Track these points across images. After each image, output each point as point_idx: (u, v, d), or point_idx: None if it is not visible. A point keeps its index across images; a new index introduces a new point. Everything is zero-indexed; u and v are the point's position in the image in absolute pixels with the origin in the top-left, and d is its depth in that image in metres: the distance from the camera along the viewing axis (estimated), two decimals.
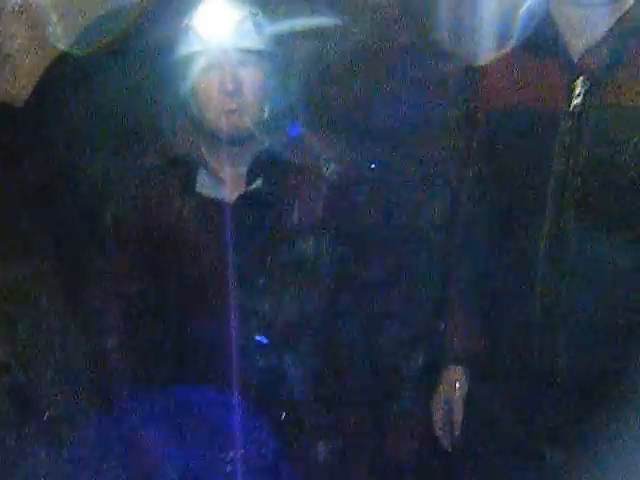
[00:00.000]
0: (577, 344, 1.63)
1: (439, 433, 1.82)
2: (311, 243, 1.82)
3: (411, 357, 1.91)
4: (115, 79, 1.92)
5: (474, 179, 1.77)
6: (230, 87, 1.81)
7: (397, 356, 1.91)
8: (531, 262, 1.64)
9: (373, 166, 2.03)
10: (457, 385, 1.78)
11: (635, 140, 1.55)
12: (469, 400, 1.78)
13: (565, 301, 1.62)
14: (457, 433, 1.79)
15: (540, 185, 1.63)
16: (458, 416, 1.79)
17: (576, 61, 1.61)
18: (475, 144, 1.75)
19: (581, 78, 1.60)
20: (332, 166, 1.87)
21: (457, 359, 1.79)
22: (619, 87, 1.57)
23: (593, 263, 1.59)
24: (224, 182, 1.85)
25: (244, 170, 1.86)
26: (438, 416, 1.81)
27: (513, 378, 1.69)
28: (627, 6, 1.60)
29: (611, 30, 1.59)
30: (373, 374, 1.85)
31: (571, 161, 1.59)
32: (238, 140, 1.84)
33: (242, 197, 1.84)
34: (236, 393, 1.74)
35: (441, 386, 1.81)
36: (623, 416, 1.61)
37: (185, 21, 1.85)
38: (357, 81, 2.07)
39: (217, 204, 1.83)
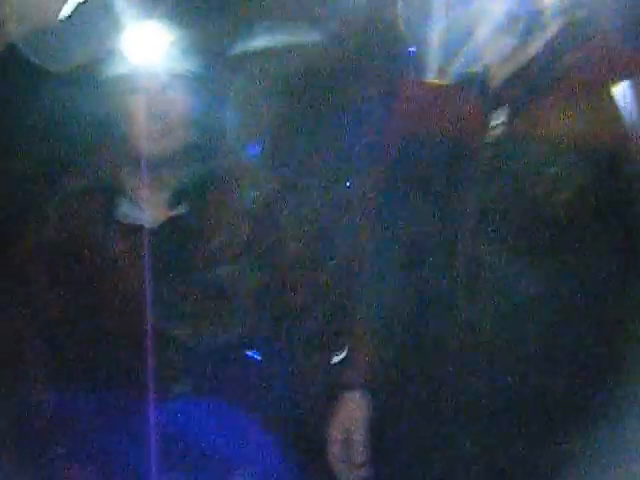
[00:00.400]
0: (491, 371, 1.63)
1: (337, 465, 1.76)
2: (233, 270, 1.81)
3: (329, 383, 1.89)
4: (35, 101, 1.88)
5: (386, 206, 1.77)
6: (155, 111, 1.80)
7: (315, 382, 1.89)
8: (443, 290, 1.64)
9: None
10: (356, 414, 1.75)
11: (553, 172, 1.55)
12: (375, 429, 1.75)
13: (478, 328, 1.62)
14: (359, 465, 1.75)
15: (455, 214, 1.63)
16: (358, 447, 1.74)
17: (495, 91, 1.62)
18: (388, 171, 1.76)
19: (500, 109, 1.60)
20: (258, 192, 1.87)
21: (357, 385, 1.76)
22: (538, 119, 1.57)
23: (510, 293, 1.60)
24: (146, 208, 1.83)
25: (167, 196, 1.84)
26: (335, 447, 1.76)
27: (423, 405, 1.68)
28: (548, 39, 1.60)
29: (531, 61, 1.60)
30: (293, 401, 1.84)
31: (488, 191, 1.60)
32: (162, 165, 1.82)
33: (164, 224, 1.83)
34: (150, 421, 1.72)
35: (339, 414, 1.76)
36: (541, 439, 1.62)
37: (111, 42, 1.83)
38: (294, 104, 2.06)
39: (138, 230, 1.81)
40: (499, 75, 1.62)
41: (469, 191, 1.61)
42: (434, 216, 1.66)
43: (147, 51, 1.84)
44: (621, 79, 1.54)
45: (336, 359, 1.83)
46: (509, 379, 1.63)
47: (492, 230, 1.60)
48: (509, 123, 1.59)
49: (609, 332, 1.61)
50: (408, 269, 1.71)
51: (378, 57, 2.05)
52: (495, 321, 1.62)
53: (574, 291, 1.59)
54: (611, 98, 1.53)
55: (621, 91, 1.53)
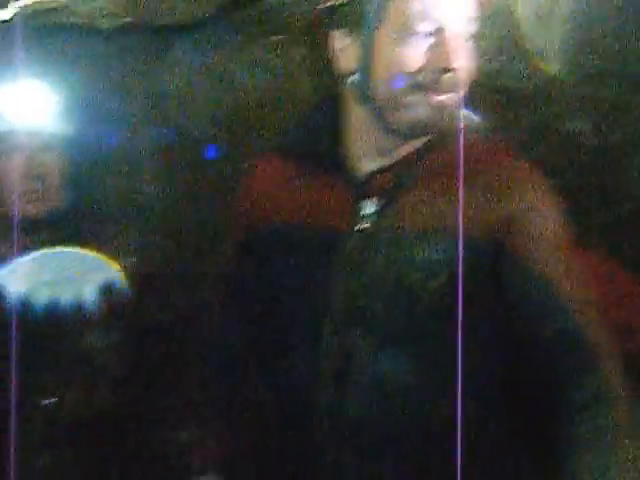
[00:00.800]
0: (361, 460, 1.58)
1: None
2: (100, 338, 1.79)
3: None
4: None
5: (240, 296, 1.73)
6: (32, 171, 1.79)
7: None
8: (309, 381, 1.59)
9: None
10: None
11: (419, 262, 1.54)
12: None
13: (349, 417, 1.58)
14: None
15: (319, 304, 1.58)
16: None
17: (365, 181, 1.58)
18: (242, 258, 1.71)
19: (369, 199, 1.57)
20: (129, 260, 1.84)
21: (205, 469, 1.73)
22: (406, 211, 1.55)
23: (376, 380, 1.56)
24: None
25: None
26: None
27: None
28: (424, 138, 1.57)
29: (402, 155, 1.57)
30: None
31: (356, 281, 1.56)
32: (38, 227, 1.81)
33: None
34: None
35: None
36: None
37: None
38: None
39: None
40: (368, 166, 1.59)
41: (337, 282, 1.58)
42: (299, 309, 1.62)
43: (24, 110, 1.83)
44: (482, 173, 1.55)
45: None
46: None
47: (362, 321, 1.57)
48: (379, 213, 1.57)
49: None
50: (269, 363, 1.68)
51: None
52: (361, 412, 1.57)
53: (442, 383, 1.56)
54: (475, 191, 1.54)
55: (483, 183, 1.54)
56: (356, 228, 1.56)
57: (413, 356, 1.56)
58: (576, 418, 1.49)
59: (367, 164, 1.58)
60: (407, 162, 1.56)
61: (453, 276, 1.50)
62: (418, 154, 1.57)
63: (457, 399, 1.52)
